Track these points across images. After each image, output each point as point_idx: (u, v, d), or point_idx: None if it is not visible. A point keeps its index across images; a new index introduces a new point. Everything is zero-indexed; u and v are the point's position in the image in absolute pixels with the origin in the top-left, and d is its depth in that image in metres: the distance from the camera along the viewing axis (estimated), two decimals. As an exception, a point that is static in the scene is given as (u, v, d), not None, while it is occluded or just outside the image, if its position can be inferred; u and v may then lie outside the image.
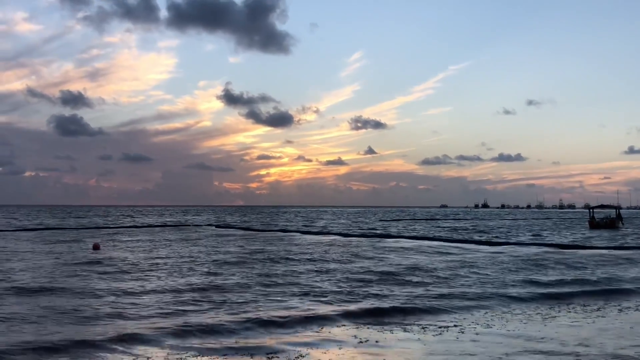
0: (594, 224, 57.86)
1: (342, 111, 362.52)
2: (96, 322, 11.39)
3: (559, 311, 13.18)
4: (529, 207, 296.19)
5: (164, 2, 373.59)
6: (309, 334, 10.62)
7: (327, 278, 18.25)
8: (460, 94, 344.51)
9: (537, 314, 12.83)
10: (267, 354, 9.24)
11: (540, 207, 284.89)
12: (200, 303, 13.60)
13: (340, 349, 9.56)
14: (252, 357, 9.06)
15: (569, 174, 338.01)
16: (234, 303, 13.63)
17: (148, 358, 8.95)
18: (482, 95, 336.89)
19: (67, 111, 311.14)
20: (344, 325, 11.40)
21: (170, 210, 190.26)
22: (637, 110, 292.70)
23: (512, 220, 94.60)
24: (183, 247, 31.53)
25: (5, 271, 19.58)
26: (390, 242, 36.91)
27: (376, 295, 14.84)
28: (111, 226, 60.46)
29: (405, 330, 11.00)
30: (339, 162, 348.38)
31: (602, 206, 64.80)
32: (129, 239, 39.74)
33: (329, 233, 48.65)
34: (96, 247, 29.86)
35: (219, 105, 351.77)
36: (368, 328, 11.19)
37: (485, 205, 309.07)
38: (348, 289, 15.81)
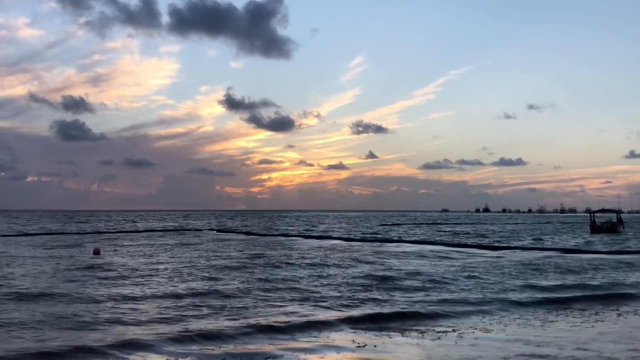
0: (595, 228, 57.81)
1: (343, 116, 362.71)
2: (96, 328, 11.41)
3: (558, 315, 13.19)
4: (530, 211, 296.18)
5: (166, 7, 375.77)
6: (308, 340, 10.62)
7: (327, 283, 18.26)
8: (461, 98, 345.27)
9: (536, 318, 12.84)
10: (266, 359, 9.26)
11: (541, 211, 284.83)
12: (200, 308, 13.62)
13: (338, 353, 9.58)
14: (250, 363, 9.07)
15: (570, 178, 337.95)
16: (234, 308, 13.65)
17: (147, 363, 8.96)
18: (483, 99, 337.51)
19: (69, 116, 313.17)
20: (343, 331, 11.41)
21: (172, 215, 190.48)
22: (638, 114, 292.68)
23: (513, 224, 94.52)
24: (183, 252, 31.55)
25: (6, 276, 19.61)
26: (391, 247, 36.91)
27: (376, 300, 14.85)
28: (112, 231, 60.49)
29: (404, 335, 11.01)
30: (340, 167, 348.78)
31: (603, 210, 64.73)
32: (130, 243, 39.76)
33: (329, 237, 48.66)
34: (96, 252, 29.90)
35: (221, 110, 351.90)
36: (367, 333, 11.20)
37: (486, 210, 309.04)
38: (348, 294, 15.82)
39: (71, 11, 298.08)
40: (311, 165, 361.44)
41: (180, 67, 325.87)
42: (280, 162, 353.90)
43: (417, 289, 16.96)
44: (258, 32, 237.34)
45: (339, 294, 15.82)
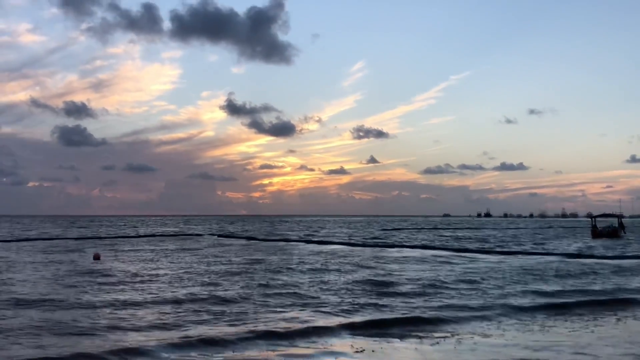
0: (597, 233, 57.70)
1: (344, 120, 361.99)
2: (94, 334, 11.40)
3: (557, 320, 13.18)
4: (531, 216, 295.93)
5: (167, 13, 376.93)
6: (307, 345, 10.62)
7: (327, 288, 18.25)
8: (462, 103, 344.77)
9: (535, 323, 12.83)
10: (265, 365, 9.27)
11: (542, 216, 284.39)
12: (199, 314, 13.62)
13: (336, 359, 9.58)
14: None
15: (571, 182, 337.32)
16: (234, 314, 13.64)
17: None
18: (484, 104, 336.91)
19: (70, 122, 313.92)
20: (343, 337, 11.40)
21: (173, 220, 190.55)
22: (639, 119, 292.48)
23: (515, 229, 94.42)
24: (184, 257, 31.55)
25: (5, 282, 19.63)
26: (392, 252, 36.88)
27: (376, 306, 14.84)
28: (113, 236, 60.53)
29: (402, 340, 11.02)
30: (341, 172, 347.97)
31: (604, 215, 64.63)
32: (130, 248, 39.78)
33: (330, 242, 48.64)
34: (97, 257, 29.91)
35: (222, 115, 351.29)
36: (366, 339, 11.19)
37: (487, 215, 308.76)
38: (348, 300, 15.81)
39: (73, 17, 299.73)
40: (312, 170, 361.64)
41: (182, 73, 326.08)
42: (282, 167, 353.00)
43: (417, 294, 16.94)
44: (259, 38, 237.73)
45: (339, 300, 15.81)
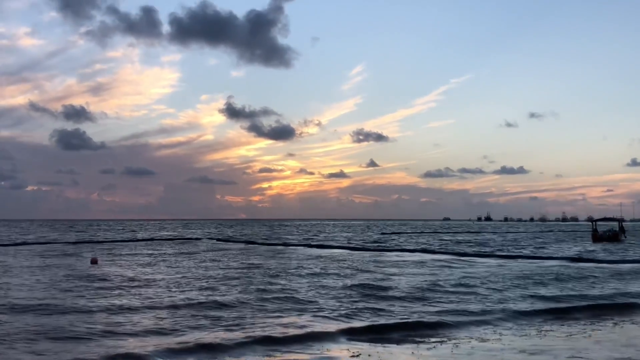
0: (597, 237, 57.61)
1: (344, 124, 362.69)
2: (91, 339, 11.34)
3: (554, 325, 13.14)
4: (532, 219, 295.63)
5: (167, 17, 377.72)
6: (305, 351, 10.57)
7: (326, 293, 18.18)
8: (462, 106, 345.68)
9: (533, 327, 12.79)
10: (261, 370, 9.21)
11: (543, 219, 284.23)
12: (197, 319, 13.55)
13: (333, 364, 9.54)
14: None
15: (572, 186, 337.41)
16: (231, 319, 13.58)
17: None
18: (484, 107, 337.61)
19: (69, 125, 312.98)
20: (341, 341, 11.36)
21: (172, 224, 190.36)
22: None
23: (515, 233, 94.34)
24: (182, 261, 31.47)
25: (2, 286, 19.55)
26: (391, 256, 36.82)
27: (375, 310, 14.79)
28: (111, 240, 60.42)
29: (399, 345, 10.98)
30: (341, 175, 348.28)
31: (605, 219, 64.59)
32: (128, 252, 39.70)
33: (330, 246, 48.58)
34: (94, 262, 29.84)
35: (221, 118, 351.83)
36: (363, 343, 11.15)
37: (488, 218, 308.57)
38: (347, 304, 15.75)
39: (72, 21, 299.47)
40: (312, 173, 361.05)
41: (181, 76, 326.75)
42: (281, 170, 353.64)
43: (416, 299, 16.89)
44: (258, 41, 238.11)
45: (337, 304, 15.75)
